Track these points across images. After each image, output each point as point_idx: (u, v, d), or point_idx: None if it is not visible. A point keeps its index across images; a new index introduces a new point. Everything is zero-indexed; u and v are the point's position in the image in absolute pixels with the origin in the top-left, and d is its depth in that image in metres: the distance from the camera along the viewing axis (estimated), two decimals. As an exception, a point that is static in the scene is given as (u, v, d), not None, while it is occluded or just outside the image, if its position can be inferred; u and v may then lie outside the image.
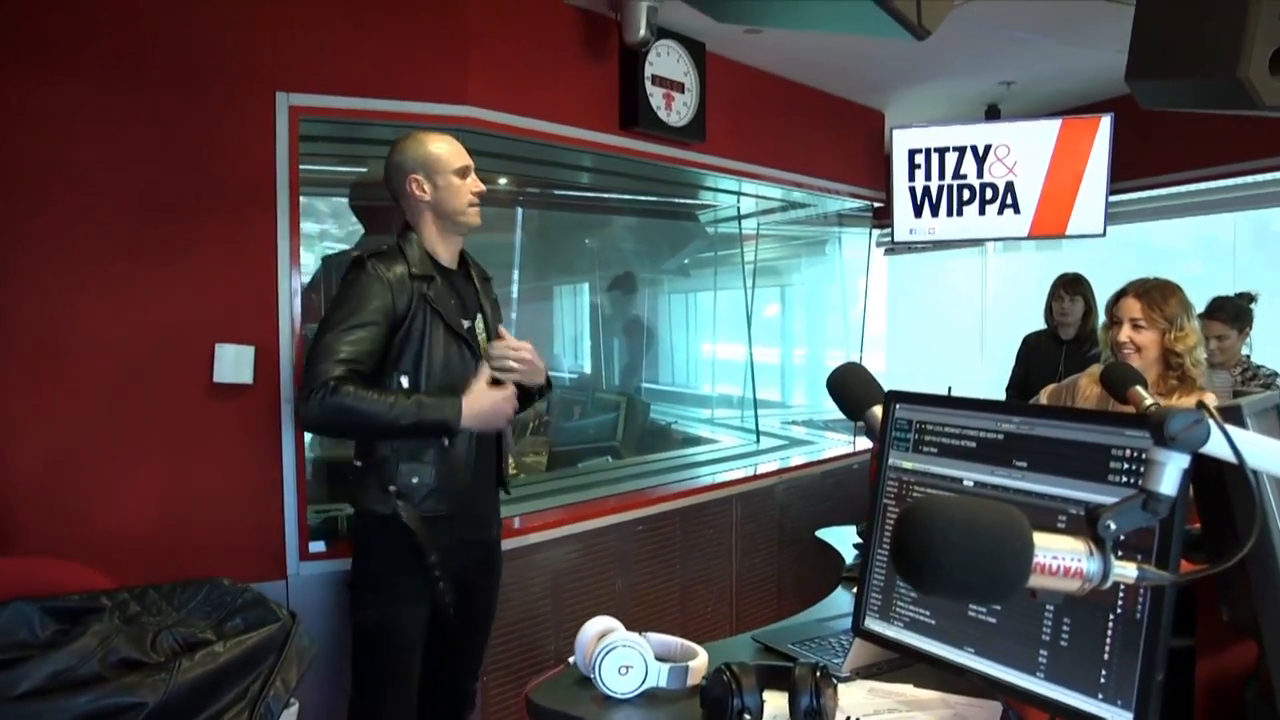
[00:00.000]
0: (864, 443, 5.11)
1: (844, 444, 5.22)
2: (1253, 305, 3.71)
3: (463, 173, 2.37)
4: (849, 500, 4.64)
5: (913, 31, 1.57)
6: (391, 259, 2.26)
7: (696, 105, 3.73)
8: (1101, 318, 2.85)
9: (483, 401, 2.23)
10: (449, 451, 2.26)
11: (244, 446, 2.71)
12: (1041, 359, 4.40)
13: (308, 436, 2.86)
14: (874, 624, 1.42)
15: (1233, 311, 3.65)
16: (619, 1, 3.28)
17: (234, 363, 2.66)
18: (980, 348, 5.36)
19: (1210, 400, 2.65)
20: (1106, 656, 1.10)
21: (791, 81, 4.47)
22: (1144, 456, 0.95)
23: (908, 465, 1.40)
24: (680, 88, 3.67)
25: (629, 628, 1.60)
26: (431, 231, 2.38)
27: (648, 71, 3.51)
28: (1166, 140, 4.38)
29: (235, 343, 2.67)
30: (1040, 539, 0.92)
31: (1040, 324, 4.55)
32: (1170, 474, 0.94)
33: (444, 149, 2.37)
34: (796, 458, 4.77)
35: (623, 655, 1.50)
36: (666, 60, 3.60)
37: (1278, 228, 4.93)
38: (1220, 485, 1.06)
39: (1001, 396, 4.61)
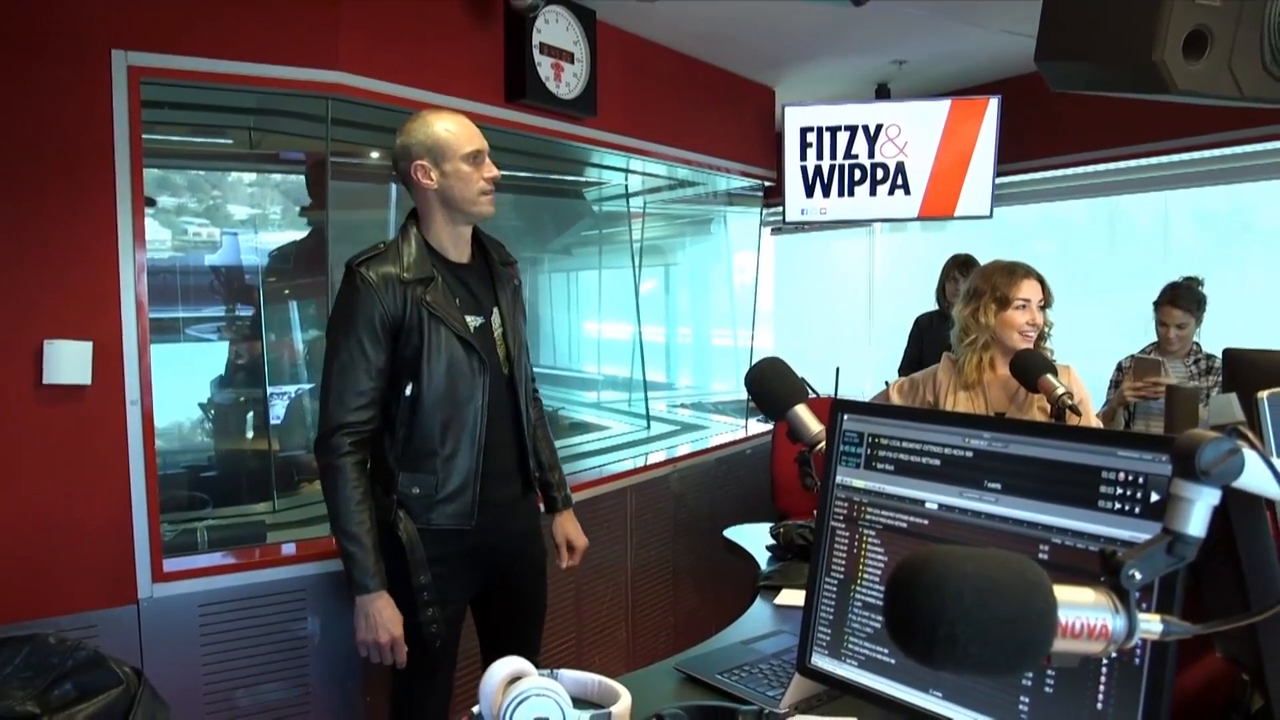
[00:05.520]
0: (755, 427, 5.05)
1: (734, 428, 5.14)
2: (1202, 289, 3.56)
3: (473, 158, 2.14)
4: (743, 487, 4.56)
5: (852, -4, 1.42)
6: (382, 262, 2.10)
7: (587, 77, 3.51)
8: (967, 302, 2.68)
9: (382, 614, 2.06)
10: (451, 461, 2.13)
11: (82, 455, 2.38)
12: (934, 339, 4.38)
13: (159, 440, 2.55)
14: (822, 661, 1.27)
15: (1193, 298, 3.52)
16: (505, -39, 3.03)
17: (68, 361, 2.33)
18: (869, 327, 5.35)
19: (1075, 375, 2.66)
20: (1100, 706, 0.98)
21: (683, 54, 4.30)
22: (1170, 491, 0.81)
23: (859, 484, 1.25)
24: (570, 58, 3.44)
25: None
26: (439, 222, 2.18)
27: (535, 39, 3.27)
28: (1052, 123, 4.41)
29: (69, 338, 2.33)
30: (1060, 594, 0.77)
31: (928, 304, 4.54)
32: (1199, 512, 0.81)
33: (452, 130, 2.13)
34: (687, 444, 4.64)
35: (537, 706, 1.30)
36: (555, 28, 3.37)
37: (1123, 207, 5.04)
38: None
39: (894, 377, 4.59)
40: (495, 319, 2.23)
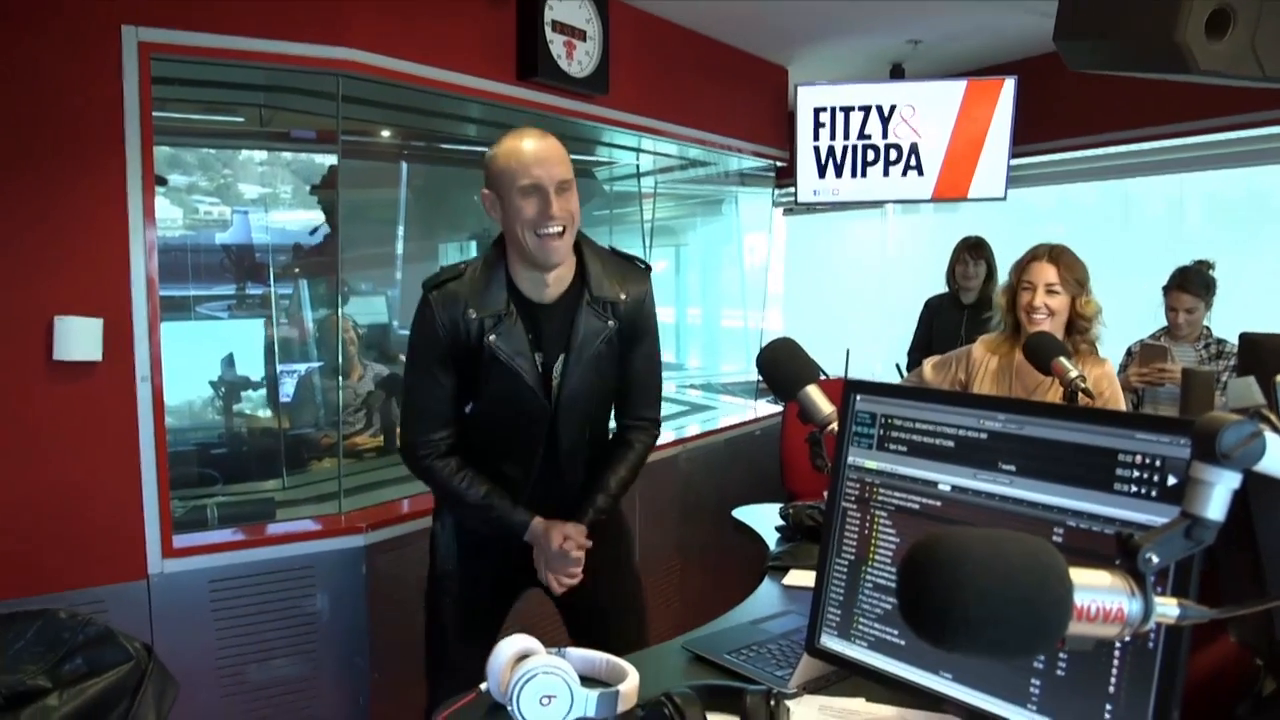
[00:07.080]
0: (764, 408, 5.04)
1: (743, 409, 5.13)
2: (1212, 273, 3.51)
3: (529, 192, 1.85)
4: (752, 468, 4.55)
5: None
6: (456, 292, 1.94)
7: (599, 55, 3.49)
8: (1002, 281, 2.74)
9: (545, 534, 2.01)
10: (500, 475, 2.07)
11: (92, 431, 2.39)
12: (944, 322, 4.36)
13: (169, 418, 2.56)
14: (831, 642, 1.26)
15: (1202, 282, 3.47)
16: (516, -63, 3.00)
17: (78, 337, 2.33)
18: (880, 309, 5.32)
19: (1110, 369, 2.62)
20: (1113, 690, 0.97)
21: (696, 33, 4.26)
22: (1189, 474, 0.80)
23: (871, 465, 1.24)
24: (582, 35, 3.41)
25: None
26: (514, 259, 1.95)
27: (548, 16, 3.25)
28: (1067, 105, 4.36)
29: (79, 314, 2.33)
30: (1076, 576, 0.76)
31: (940, 286, 4.51)
32: (1219, 496, 0.79)
33: (512, 158, 1.86)
34: (696, 425, 4.64)
35: (544, 683, 1.30)
36: (568, 5, 3.34)
37: (1136, 191, 4.99)
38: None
39: (904, 360, 4.57)
40: (558, 366, 2.00)
